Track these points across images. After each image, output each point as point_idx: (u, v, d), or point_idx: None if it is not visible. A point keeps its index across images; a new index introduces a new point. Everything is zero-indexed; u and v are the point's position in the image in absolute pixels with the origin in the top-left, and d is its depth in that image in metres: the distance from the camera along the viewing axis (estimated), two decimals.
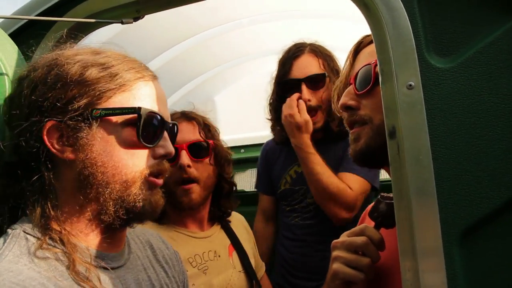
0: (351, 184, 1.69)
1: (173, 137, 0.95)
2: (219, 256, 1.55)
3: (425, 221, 0.75)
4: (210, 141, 1.57)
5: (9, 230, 0.79)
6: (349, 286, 0.94)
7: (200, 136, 1.56)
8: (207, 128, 1.63)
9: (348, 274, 0.91)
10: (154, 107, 0.86)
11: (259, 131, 2.03)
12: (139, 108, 0.82)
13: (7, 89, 1.03)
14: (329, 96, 1.65)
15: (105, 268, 0.82)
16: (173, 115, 1.55)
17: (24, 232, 0.79)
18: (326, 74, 1.77)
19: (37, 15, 1.13)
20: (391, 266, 0.91)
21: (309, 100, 1.74)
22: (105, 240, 0.85)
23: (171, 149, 0.88)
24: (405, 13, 0.82)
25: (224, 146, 1.65)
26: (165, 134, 0.88)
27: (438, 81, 0.79)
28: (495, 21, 0.78)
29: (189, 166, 1.49)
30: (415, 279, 0.74)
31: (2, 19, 1.19)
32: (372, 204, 1.00)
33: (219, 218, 1.66)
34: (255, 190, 2.09)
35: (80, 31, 1.11)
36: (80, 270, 0.76)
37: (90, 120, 0.79)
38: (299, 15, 1.95)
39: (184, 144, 1.50)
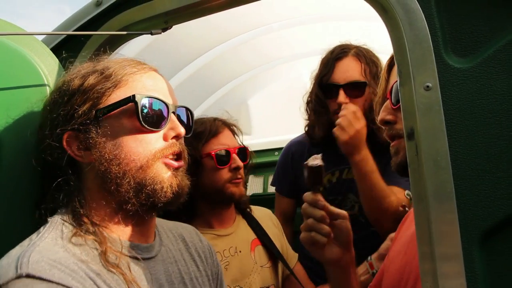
0: (399, 198, 1.63)
1: (186, 121, 1.00)
2: (240, 251, 1.61)
3: (443, 223, 0.74)
4: (247, 147, 1.71)
5: (48, 219, 0.88)
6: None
7: (242, 143, 1.71)
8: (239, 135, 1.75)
9: (304, 238, 1.02)
10: (153, 94, 0.90)
11: (292, 133, 2.05)
12: (133, 96, 0.87)
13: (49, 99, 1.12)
14: (369, 103, 1.67)
15: (135, 258, 0.88)
16: (214, 122, 1.67)
17: (62, 219, 0.87)
18: (367, 83, 1.70)
19: (74, 30, 1.21)
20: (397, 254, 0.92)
21: (345, 104, 1.68)
22: (135, 231, 0.91)
23: (181, 130, 0.92)
24: (422, 14, 0.82)
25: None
26: (173, 117, 0.92)
27: (457, 81, 0.79)
28: (509, 21, 0.77)
29: (241, 167, 1.63)
30: (434, 283, 0.74)
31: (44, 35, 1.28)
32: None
33: (242, 211, 1.73)
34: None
35: (113, 43, 1.19)
36: (111, 257, 0.83)
37: (96, 121, 0.87)
38: (326, 18, 1.96)
39: (234, 148, 1.63)
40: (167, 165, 0.89)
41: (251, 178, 2.57)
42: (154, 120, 0.89)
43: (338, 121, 1.61)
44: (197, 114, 2.47)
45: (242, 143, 1.70)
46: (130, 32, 1.14)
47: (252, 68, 2.42)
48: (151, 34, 1.14)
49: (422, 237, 0.77)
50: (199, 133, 1.59)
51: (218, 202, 1.65)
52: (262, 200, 1.95)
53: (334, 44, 1.79)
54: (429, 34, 0.81)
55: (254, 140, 2.62)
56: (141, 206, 0.87)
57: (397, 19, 0.85)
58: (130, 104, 0.87)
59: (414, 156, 0.80)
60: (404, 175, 0.96)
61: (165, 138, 0.91)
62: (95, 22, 1.21)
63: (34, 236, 0.84)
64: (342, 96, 1.70)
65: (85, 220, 0.86)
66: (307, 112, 1.88)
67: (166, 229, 1.08)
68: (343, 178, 1.83)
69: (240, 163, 1.61)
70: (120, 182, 0.86)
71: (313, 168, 1.01)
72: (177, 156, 0.93)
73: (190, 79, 2.11)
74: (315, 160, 1.02)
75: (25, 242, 0.82)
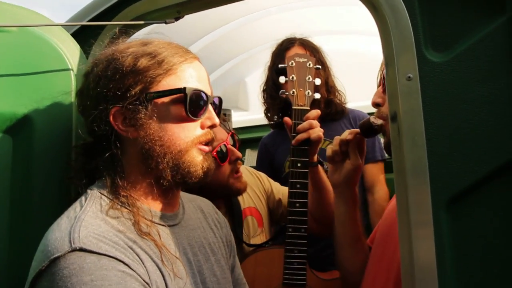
0: (381, 175, 1.91)
1: (217, 109, 1.10)
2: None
3: (417, 192, 0.90)
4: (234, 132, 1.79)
5: (88, 191, 0.99)
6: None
7: (230, 129, 1.78)
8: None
9: (327, 151, 1.35)
10: (198, 85, 1.00)
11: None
12: (184, 88, 0.97)
13: (73, 82, 1.24)
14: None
15: (163, 225, 1.01)
16: None
17: (100, 192, 0.98)
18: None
19: (91, 19, 1.32)
20: (387, 233, 1.08)
21: None
22: (163, 202, 1.03)
23: (216, 120, 1.04)
24: (407, 13, 0.96)
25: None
26: (210, 107, 1.03)
27: (433, 73, 0.93)
28: (485, 20, 0.90)
29: (240, 157, 1.70)
30: (409, 244, 0.90)
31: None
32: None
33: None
34: None
35: (126, 33, 1.30)
36: (143, 227, 0.95)
37: (146, 103, 0.96)
38: (319, 3, 2.10)
39: (227, 141, 1.67)
40: (200, 150, 1.01)
41: (248, 152, 2.72)
42: (197, 110, 0.99)
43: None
44: None
45: (230, 129, 1.75)
46: (146, 21, 1.25)
47: (249, 48, 2.53)
48: (165, 23, 1.25)
49: (401, 204, 0.93)
50: None
51: (222, 196, 1.72)
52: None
53: (320, 27, 2.05)
54: (411, 32, 0.95)
55: (251, 116, 2.76)
56: (175, 183, 1.00)
57: (385, 17, 0.98)
58: (180, 94, 0.97)
59: (396, 135, 0.95)
60: (390, 154, 1.12)
61: (202, 127, 1.01)
62: (112, 10, 1.32)
63: (77, 208, 0.94)
64: None
65: (123, 192, 0.97)
66: (264, 98, 2.18)
67: (187, 200, 1.20)
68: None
69: (238, 154, 1.68)
70: (161, 161, 0.97)
71: (371, 125, 1.22)
72: (208, 142, 1.04)
73: None
74: (377, 121, 1.21)
75: (71, 214, 0.93)
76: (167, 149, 0.97)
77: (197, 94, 0.99)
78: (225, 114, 2.51)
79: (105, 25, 1.32)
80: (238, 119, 2.68)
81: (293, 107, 1.62)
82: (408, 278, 0.89)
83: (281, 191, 1.93)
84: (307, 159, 1.57)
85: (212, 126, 1.03)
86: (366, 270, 1.24)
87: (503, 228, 0.86)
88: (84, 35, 1.36)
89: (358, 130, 1.29)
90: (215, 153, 1.60)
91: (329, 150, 1.34)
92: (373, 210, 2.20)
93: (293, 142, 1.56)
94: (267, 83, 2.16)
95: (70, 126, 1.21)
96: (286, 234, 1.65)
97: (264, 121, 2.68)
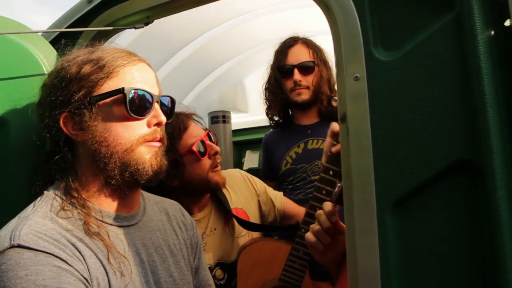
0: None
1: (168, 109, 1.13)
2: (215, 229, 1.76)
3: (363, 193, 0.89)
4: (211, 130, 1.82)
5: (44, 192, 1.04)
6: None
7: (206, 127, 1.81)
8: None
9: (307, 238, 1.15)
10: (140, 86, 1.04)
11: None
12: (123, 89, 1.01)
13: None
14: (318, 81, 2.05)
15: (114, 226, 1.04)
16: (177, 118, 1.73)
17: (54, 193, 1.03)
18: (316, 62, 2.05)
19: (67, 27, 1.36)
20: None
21: (300, 81, 2.04)
22: (117, 203, 1.06)
23: (162, 118, 1.06)
24: (356, 13, 0.95)
25: None
26: (156, 105, 1.06)
27: (381, 73, 0.91)
28: (431, 18, 0.89)
29: (218, 151, 1.75)
30: (353, 238, 0.89)
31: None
32: None
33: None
34: None
35: (102, 37, 1.34)
36: (93, 227, 0.98)
37: (89, 106, 1.01)
38: (301, 5, 2.11)
39: (205, 136, 1.72)
40: (148, 147, 1.04)
41: (248, 153, 2.73)
42: (139, 109, 1.03)
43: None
44: (196, 92, 2.64)
45: (206, 127, 1.80)
46: (116, 27, 1.29)
47: (243, 50, 2.55)
48: (135, 28, 1.28)
49: (348, 205, 0.92)
50: (169, 134, 1.68)
51: (202, 191, 1.77)
52: (257, 173, 2.11)
53: (307, 29, 2.12)
54: (360, 31, 0.94)
55: (250, 118, 2.78)
56: (125, 182, 1.03)
57: (335, 16, 0.97)
58: (120, 95, 1.01)
59: (345, 136, 0.94)
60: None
61: (148, 125, 1.05)
62: (87, 17, 1.37)
63: (30, 208, 0.99)
64: (297, 75, 2.04)
65: (75, 193, 1.02)
66: (266, 96, 2.21)
67: (153, 202, 1.23)
68: (308, 148, 2.08)
69: (217, 148, 1.73)
70: (108, 161, 1.01)
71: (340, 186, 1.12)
72: (158, 141, 1.07)
73: (186, 61, 2.26)
74: None
75: (22, 214, 0.98)
76: (113, 149, 1.01)
77: (138, 93, 1.03)
78: (224, 116, 2.54)
79: (81, 32, 1.36)
80: (238, 120, 2.69)
81: None
82: (353, 267, 0.88)
83: (274, 195, 1.95)
84: (339, 169, 1.57)
85: (158, 124, 1.06)
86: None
87: (448, 230, 0.84)
88: (62, 42, 1.40)
89: (331, 203, 1.19)
90: (194, 148, 1.66)
91: (315, 232, 1.18)
92: None
93: (333, 149, 1.45)
94: (269, 80, 2.19)
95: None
96: (298, 233, 1.67)
97: (263, 122, 2.69)
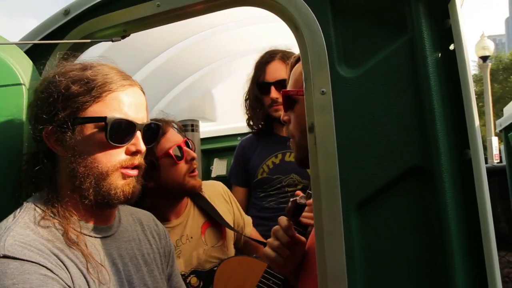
0: None
1: (153, 134, 1.16)
2: (191, 237, 1.81)
3: (330, 196, 0.98)
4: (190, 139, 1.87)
5: (24, 203, 1.06)
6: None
7: (184, 136, 1.86)
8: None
9: (267, 253, 1.22)
10: (126, 113, 1.06)
11: None
12: (105, 117, 1.03)
13: (25, 97, 1.31)
14: None
15: (92, 237, 1.08)
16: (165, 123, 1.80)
17: (34, 204, 1.05)
18: None
19: (42, 38, 1.39)
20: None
21: (277, 98, 2.08)
22: (94, 215, 1.10)
23: (141, 146, 1.09)
24: (322, 34, 1.05)
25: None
26: (138, 134, 1.08)
27: (344, 87, 1.02)
28: (388, 41, 1.00)
29: (195, 158, 1.80)
30: (322, 239, 0.98)
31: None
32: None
33: (195, 198, 1.90)
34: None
35: (78, 49, 1.38)
36: (72, 237, 1.01)
37: (72, 127, 1.03)
38: (274, 20, 2.20)
39: (183, 142, 1.78)
40: (123, 174, 1.07)
41: (215, 161, 2.80)
42: (119, 137, 1.05)
43: None
44: (166, 101, 2.69)
45: (185, 136, 1.86)
46: (93, 40, 1.33)
47: (212, 61, 2.63)
48: (112, 41, 1.33)
49: (316, 208, 1.01)
50: None
51: (179, 196, 1.81)
52: (224, 181, 2.18)
53: (275, 43, 2.18)
54: (325, 49, 1.04)
55: (218, 126, 2.86)
56: (97, 203, 1.05)
57: (303, 36, 1.07)
58: (102, 122, 1.03)
59: (313, 145, 1.03)
60: (302, 167, 1.21)
61: (127, 152, 1.07)
62: (63, 29, 1.40)
63: (10, 219, 1.01)
64: (273, 92, 2.09)
65: (55, 204, 1.04)
66: (246, 108, 2.25)
67: (128, 213, 1.26)
68: (285, 160, 2.14)
69: (193, 154, 1.78)
70: (84, 181, 1.03)
71: (298, 205, 1.22)
72: (135, 167, 1.09)
73: (158, 70, 2.31)
74: (302, 199, 1.22)
75: (3, 225, 0.99)
76: (89, 170, 1.03)
77: (119, 123, 1.04)
78: (192, 125, 2.60)
79: (56, 44, 1.39)
80: (206, 129, 2.76)
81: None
82: (322, 262, 0.97)
83: (247, 220, 2.04)
84: None
85: (136, 152, 1.08)
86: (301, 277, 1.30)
87: (406, 227, 0.95)
88: (37, 53, 1.43)
89: (285, 218, 1.24)
90: (171, 152, 1.72)
91: (275, 247, 1.22)
92: None
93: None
94: (249, 94, 2.24)
95: (21, 139, 1.28)
96: None
97: (231, 131, 2.78)
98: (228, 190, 2.05)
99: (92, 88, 1.04)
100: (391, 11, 1.01)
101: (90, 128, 1.04)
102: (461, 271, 0.88)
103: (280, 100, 1.99)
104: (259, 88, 2.16)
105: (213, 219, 1.91)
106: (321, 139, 1.01)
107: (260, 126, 2.20)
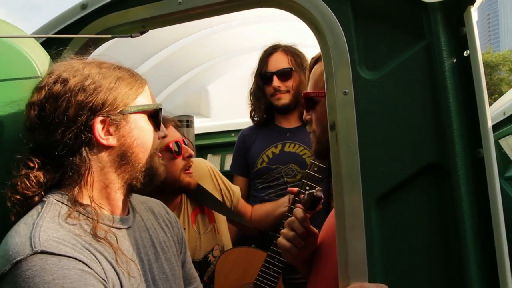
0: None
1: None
2: (184, 229, 1.85)
3: (351, 191, 1.05)
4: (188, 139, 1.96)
5: (44, 199, 1.03)
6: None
7: (183, 135, 1.93)
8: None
9: (282, 244, 1.27)
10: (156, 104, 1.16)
11: (247, 117, 2.34)
12: (160, 104, 1.15)
13: None
14: (298, 85, 2.19)
15: (119, 229, 1.10)
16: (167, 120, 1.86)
17: (57, 200, 1.03)
18: (293, 69, 2.18)
19: (58, 32, 1.40)
20: (330, 243, 1.22)
21: (279, 87, 2.18)
22: (120, 206, 1.12)
23: (166, 132, 1.21)
24: (344, 37, 1.10)
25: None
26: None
27: (366, 89, 1.08)
28: (406, 46, 1.07)
29: (193, 155, 1.87)
30: (343, 233, 1.04)
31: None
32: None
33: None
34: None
35: (94, 44, 1.39)
36: (100, 231, 1.02)
37: (127, 115, 1.08)
38: (278, 19, 2.26)
39: (182, 140, 1.86)
40: (158, 156, 1.17)
41: (209, 156, 2.83)
42: (158, 123, 1.16)
43: None
44: (162, 97, 2.71)
45: (183, 135, 1.93)
46: (113, 35, 1.35)
47: (212, 58, 2.67)
48: (131, 37, 1.35)
49: (337, 200, 1.07)
50: None
51: (174, 192, 1.86)
52: None
53: (275, 40, 2.27)
54: (348, 52, 1.10)
55: (213, 122, 2.89)
56: (143, 185, 1.12)
57: (326, 39, 1.12)
58: (154, 110, 1.13)
59: (335, 142, 1.09)
60: (319, 158, 1.32)
61: (158, 138, 1.17)
62: (80, 23, 1.41)
63: (35, 215, 0.99)
64: (275, 81, 2.18)
65: (83, 201, 1.04)
66: (250, 100, 2.33)
67: (138, 202, 1.28)
68: (285, 151, 2.21)
69: (191, 152, 1.86)
70: (137, 165, 1.10)
71: (316, 198, 1.25)
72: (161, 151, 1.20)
73: (156, 67, 2.33)
74: (318, 192, 1.26)
75: (28, 220, 0.97)
76: (142, 154, 1.11)
77: (160, 110, 1.16)
78: (187, 121, 2.63)
79: (71, 38, 1.40)
80: (200, 125, 2.79)
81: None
82: (343, 260, 1.03)
83: (233, 189, 2.11)
84: (316, 186, 1.78)
85: (163, 137, 1.20)
86: (313, 270, 1.36)
87: (422, 220, 1.02)
88: (52, 46, 1.43)
89: (302, 209, 1.28)
90: (170, 145, 1.78)
91: (290, 238, 1.27)
92: None
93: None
94: (253, 86, 2.33)
95: None
96: (274, 242, 1.82)
97: (225, 127, 2.82)
98: (213, 166, 2.12)
99: (136, 79, 1.13)
100: (410, 17, 1.07)
101: (141, 116, 1.12)
102: (474, 261, 0.96)
103: (282, 88, 2.17)
104: (261, 78, 2.24)
105: (201, 205, 1.97)
106: (343, 137, 1.07)
107: (264, 117, 2.28)
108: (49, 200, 1.03)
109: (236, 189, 2.12)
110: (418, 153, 1.03)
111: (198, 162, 2.06)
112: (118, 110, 1.07)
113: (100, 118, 1.05)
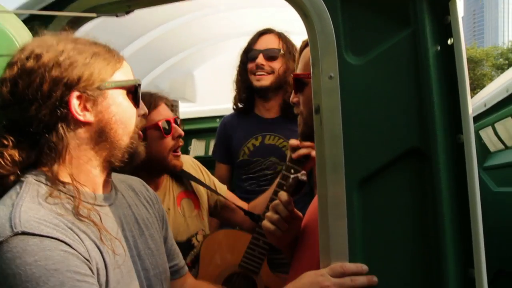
0: None
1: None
2: (168, 209, 1.85)
3: (334, 173, 1.07)
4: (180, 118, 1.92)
5: (22, 179, 1.01)
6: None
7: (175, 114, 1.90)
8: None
9: (266, 226, 1.29)
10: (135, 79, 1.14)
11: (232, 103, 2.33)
12: (139, 80, 1.12)
13: None
14: (284, 70, 2.10)
15: (102, 206, 1.09)
16: (151, 96, 1.83)
17: (36, 180, 1.01)
18: (282, 51, 2.12)
19: (41, 9, 1.37)
20: (314, 227, 1.24)
21: (262, 65, 2.10)
22: (102, 184, 1.11)
23: (146, 110, 1.19)
24: (331, 22, 1.11)
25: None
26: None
27: (351, 74, 1.09)
28: (392, 32, 1.08)
29: (182, 135, 1.83)
30: (325, 213, 1.06)
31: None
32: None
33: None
34: None
35: (77, 23, 1.37)
36: (82, 209, 1.01)
37: (104, 90, 1.06)
38: (266, 4, 2.26)
39: (173, 119, 1.82)
40: (137, 134, 1.15)
41: (194, 142, 2.83)
42: (137, 100, 1.13)
43: None
44: (147, 80, 2.69)
45: (176, 114, 1.91)
46: (98, 14, 1.33)
47: (196, 43, 2.65)
48: (117, 16, 1.34)
49: (320, 183, 1.09)
50: None
51: (159, 171, 1.84)
52: (203, 161, 2.21)
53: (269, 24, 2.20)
54: (334, 38, 1.11)
55: (198, 108, 2.89)
56: (122, 162, 1.11)
57: (313, 23, 1.13)
58: (133, 85, 1.11)
59: (319, 126, 1.10)
60: (305, 140, 1.35)
61: (138, 115, 1.14)
62: (64, 1, 1.38)
63: (13, 195, 0.97)
64: (260, 58, 2.10)
65: (64, 179, 1.03)
66: (236, 79, 2.26)
67: (118, 180, 1.27)
68: (265, 143, 2.19)
69: (181, 132, 1.83)
70: (115, 143, 1.08)
71: (300, 181, 1.26)
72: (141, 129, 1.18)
73: (141, 50, 2.30)
74: (303, 176, 1.27)
75: (7, 201, 0.96)
76: (121, 131, 1.09)
77: (139, 86, 1.13)
78: (172, 105, 2.61)
79: (55, 16, 1.38)
80: (185, 110, 2.78)
81: None
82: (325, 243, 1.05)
83: (219, 186, 2.09)
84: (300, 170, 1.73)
85: (144, 115, 1.18)
86: (296, 255, 1.38)
87: (403, 202, 1.05)
88: (34, 23, 1.40)
89: (286, 193, 1.29)
90: (160, 124, 1.75)
91: (274, 220, 1.29)
92: None
93: (293, 155, 1.71)
94: (238, 66, 2.24)
95: None
96: (258, 224, 1.82)
97: (210, 112, 2.82)
98: (198, 162, 2.10)
99: (114, 55, 1.10)
100: (396, 4, 1.09)
101: (120, 92, 1.09)
102: (450, 244, 0.99)
103: (266, 68, 2.08)
104: (246, 55, 2.17)
105: (187, 189, 1.96)
106: (327, 120, 1.09)
107: (240, 98, 2.22)
108: (27, 180, 1.01)
109: (221, 186, 2.10)
110: (400, 137, 1.05)
111: (183, 159, 2.02)
112: (95, 86, 1.04)
113: (76, 93, 1.02)
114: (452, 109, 1.03)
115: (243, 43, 2.23)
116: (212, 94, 2.77)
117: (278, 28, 2.18)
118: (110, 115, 1.07)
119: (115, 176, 1.27)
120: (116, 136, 1.08)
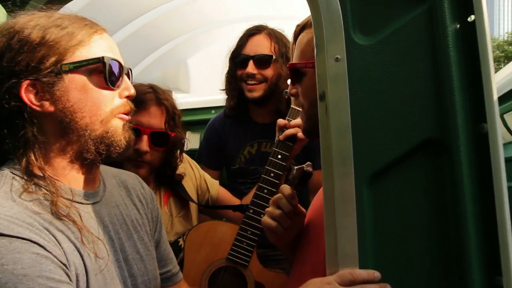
0: None
1: (130, 81, 1.09)
2: None
3: (342, 166, 0.95)
4: (172, 133, 1.72)
5: None
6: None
7: (165, 126, 1.70)
8: (173, 118, 1.74)
9: (266, 223, 1.16)
10: (112, 55, 0.99)
11: None
12: (103, 57, 0.96)
13: None
14: (277, 77, 1.93)
15: (84, 204, 0.99)
16: (146, 95, 1.69)
17: (12, 173, 0.93)
18: (274, 57, 1.94)
19: None
20: (319, 224, 1.13)
21: (253, 74, 1.93)
22: (84, 179, 1.01)
23: (132, 91, 1.04)
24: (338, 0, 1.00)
25: (182, 135, 1.83)
26: (125, 77, 1.03)
27: (360, 55, 0.97)
28: (405, 9, 0.96)
29: (146, 152, 1.64)
30: (331, 212, 0.95)
31: None
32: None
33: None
34: None
35: (58, 1, 1.25)
36: (61, 207, 0.92)
37: (62, 74, 0.93)
38: None
39: (147, 130, 1.64)
40: (120, 119, 1.01)
41: (188, 134, 2.70)
42: (114, 80, 0.99)
43: None
44: (139, 69, 2.56)
45: (175, 126, 1.75)
46: None
47: (192, 29, 2.52)
48: None
49: (326, 178, 0.97)
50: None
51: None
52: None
53: (260, 13, 2.06)
54: (341, 16, 0.99)
55: (192, 98, 2.77)
56: (98, 154, 0.98)
57: (317, 2, 1.01)
58: (98, 64, 0.96)
59: (324, 114, 0.99)
60: (309, 137, 1.18)
61: (120, 97, 1.02)
62: None
63: None
64: (250, 67, 1.93)
65: (39, 172, 0.93)
66: (225, 85, 2.09)
67: (110, 175, 1.18)
68: (262, 151, 2.07)
69: (144, 147, 1.63)
70: (83, 133, 0.95)
71: (306, 173, 1.16)
72: (127, 113, 1.04)
73: (132, 36, 2.18)
74: (309, 167, 1.17)
75: None
76: (88, 120, 0.96)
77: (114, 63, 0.98)
78: None
79: None
80: (179, 101, 2.66)
81: (291, 106, 1.68)
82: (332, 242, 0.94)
83: (211, 183, 2.00)
84: (288, 154, 1.65)
85: (129, 96, 1.04)
86: (299, 252, 1.27)
87: (419, 200, 0.93)
88: (11, 3, 1.29)
89: (289, 187, 1.19)
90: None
91: (276, 216, 1.18)
92: None
93: (280, 136, 1.62)
94: (227, 71, 2.09)
95: None
96: (245, 214, 1.72)
97: (205, 103, 2.70)
98: (189, 158, 2.00)
99: (72, 32, 0.95)
100: None
101: (84, 73, 0.96)
102: (474, 245, 0.88)
103: (258, 76, 1.91)
104: (235, 61, 2.01)
105: (173, 189, 1.86)
106: (333, 108, 0.97)
107: (232, 105, 2.06)
108: (2, 173, 0.93)
109: (212, 181, 2.02)
110: (416, 127, 0.94)
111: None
112: (49, 70, 0.92)
113: (27, 82, 0.92)
114: (474, 94, 0.92)
115: (240, 30, 2.08)
116: (207, 84, 2.65)
117: (271, 15, 2.04)
118: (70, 103, 0.94)
119: (107, 170, 1.17)
120: (82, 126, 0.96)
